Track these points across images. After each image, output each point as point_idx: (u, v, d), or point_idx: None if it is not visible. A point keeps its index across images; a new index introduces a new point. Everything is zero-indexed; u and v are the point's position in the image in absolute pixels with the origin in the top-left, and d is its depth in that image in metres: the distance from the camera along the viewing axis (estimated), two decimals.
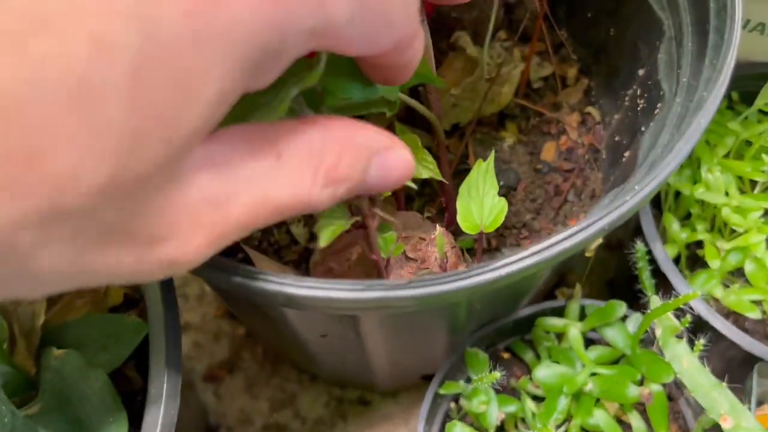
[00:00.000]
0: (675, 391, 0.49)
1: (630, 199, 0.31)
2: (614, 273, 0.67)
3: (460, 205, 0.39)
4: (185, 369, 0.64)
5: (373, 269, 0.41)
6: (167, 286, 0.38)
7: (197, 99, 0.19)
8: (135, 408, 0.45)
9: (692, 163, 0.52)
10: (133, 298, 0.50)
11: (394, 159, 0.26)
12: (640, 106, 0.45)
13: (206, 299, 0.68)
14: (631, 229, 0.57)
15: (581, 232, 0.31)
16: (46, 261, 0.20)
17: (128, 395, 0.46)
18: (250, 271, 0.30)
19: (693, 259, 0.52)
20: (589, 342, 0.48)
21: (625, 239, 0.68)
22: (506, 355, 0.50)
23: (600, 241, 0.45)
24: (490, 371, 0.44)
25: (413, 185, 0.36)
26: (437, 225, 0.40)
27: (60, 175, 0.18)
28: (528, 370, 0.49)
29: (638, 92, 0.46)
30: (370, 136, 0.26)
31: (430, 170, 0.38)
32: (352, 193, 0.25)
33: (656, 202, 0.54)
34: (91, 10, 0.17)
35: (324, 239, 0.31)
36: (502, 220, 0.38)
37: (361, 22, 0.22)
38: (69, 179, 0.18)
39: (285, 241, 0.49)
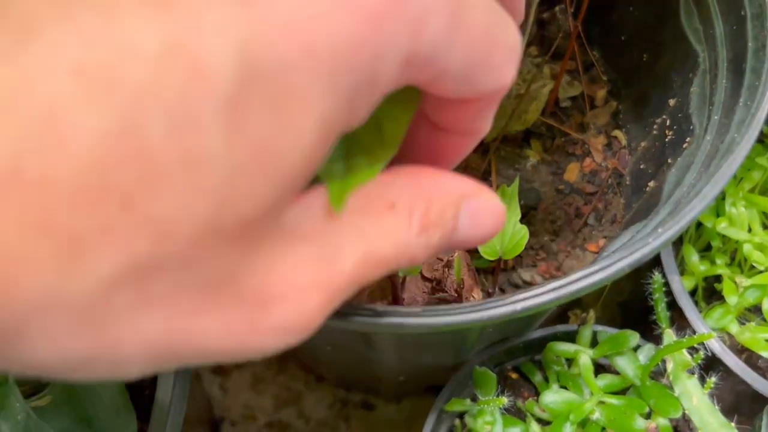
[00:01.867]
0: (682, 424, 0.48)
1: (652, 241, 0.31)
2: (628, 296, 0.67)
3: None
4: None
5: (388, 286, 0.41)
6: None
7: (299, 132, 0.17)
8: (143, 401, 0.45)
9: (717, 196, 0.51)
10: None
11: (484, 204, 0.23)
12: (669, 137, 0.44)
13: None
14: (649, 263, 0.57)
15: (601, 271, 0.31)
16: (143, 327, 0.17)
17: (136, 387, 0.46)
18: None
19: (710, 292, 0.52)
20: (599, 367, 0.48)
21: (641, 265, 0.67)
22: (514, 375, 0.49)
23: None
24: (498, 393, 0.44)
25: None
26: (455, 253, 0.39)
27: (160, 217, 0.16)
28: (536, 392, 0.49)
29: (667, 123, 0.45)
30: (457, 181, 0.23)
31: None
32: (445, 243, 0.23)
33: None
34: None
35: None
36: (522, 248, 0.38)
37: (463, 50, 0.19)
38: (170, 222, 0.16)
39: None
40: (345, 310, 0.30)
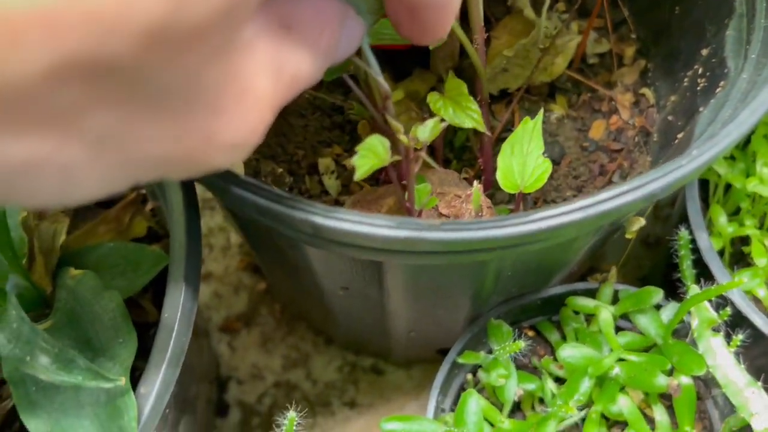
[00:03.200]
0: (703, 390, 0.46)
1: (686, 164, 0.30)
2: (648, 271, 0.65)
3: (501, 162, 0.37)
4: (203, 317, 0.63)
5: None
6: (191, 212, 0.37)
7: None
8: (147, 339, 0.44)
9: (747, 157, 0.50)
10: (156, 233, 0.49)
11: (355, 22, 0.27)
12: (701, 85, 0.43)
13: (231, 251, 0.67)
14: (672, 222, 0.55)
15: (632, 191, 0.29)
16: (93, 128, 0.17)
17: (142, 326, 0.45)
18: (281, 196, 0.29)
19: (737, 257, 0.50)
20: (618, 330, 0.46)
21: (663, 235, 0.66)
22: (531, 333, 0.48)
23: (643, 222, 0.43)
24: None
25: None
26: (475, 182, 0.38)
27: (106, 13, 0.15)
28: (552, 351, 0.47)
29: (699, 72, 0.43)
30: (336, 4, 0.25)
31: (474, 120, 0.37)
32: (333, 59, 0.26)
33: (704, 196, 0.52)
34: None
35: (360, 173, 0.30)
36: (544, 181, 0.36)
37: None
38: (116, 17, 0.15)
39: (316, 190, 0.47)
40: (363, 219, 0.29)
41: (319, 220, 0.29)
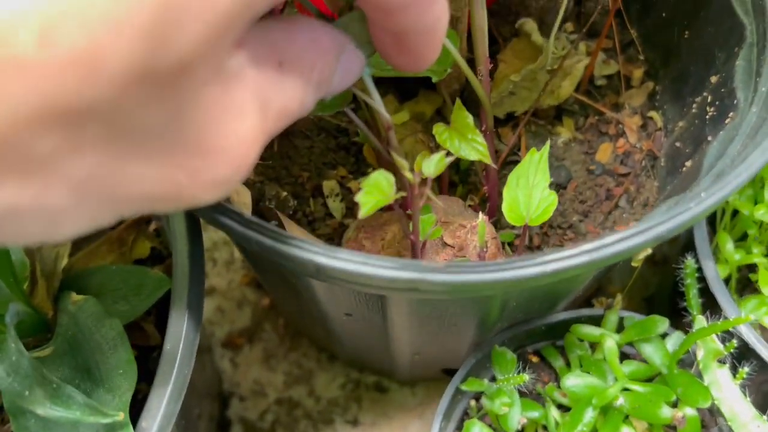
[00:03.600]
0: (708, 419, 0.46)
1: (694, 206, 0.29)
2: (654, 290, 0.64)
3: (507, 194, 0.37)
4: (205, 333, 0.63)
5: (406, 251, 0.39)
6: (195, 239, 0.37)
7: None
8: (150, 362, 0.44)
9: (755, 184, 0.49)
10: (159, 254, 0.49)
11: (353, 55, 0.26)
12: (710, 114, 0.42)
13: (234, 266, 0.67)
14: (679, 245, 0.55)
15: (638, 235, 0.29)
16: (75, 172, 0.17)
17: (144, 350, 0.45)
18: (284, 236, 0.29)
19: (743, 283, 0.50)
20: (623, 357, 0.46)
21: (671, 255, 0.65)
22: (535, 359, 0.48)
23: (649, 251, 0.43)
24: (518, 373, 0.43)
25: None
26: (480, 213, 0.38)
27: (81, 55, 0.15)
28: (556, 377, 0.47)
29: (708, 99, 0.43)
30: (329, 34, 0.25)
31: (479, 152, 0.36)
32: (326, 92, 0.25)
33: (710, 221, 0.51)
34: None
35: (365, 210, 0.29)
36: (550, 214, 0.36)
37: None
38: (96, 60, 0.15)
39: (320, 213, 0.47)
40: (366, 261, 0.28)
41: (322, 260, 0.28)
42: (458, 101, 0.38)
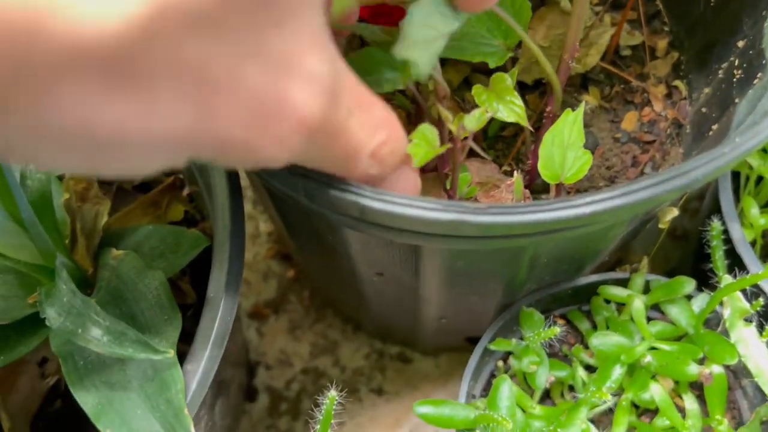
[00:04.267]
0: (732, 380, 0.47)
1: (729, 151, 0.30)
2: (676, 264, 0.65)
3: (542, 152, 0.38)
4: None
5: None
6: (235, 194, 0.38)
7: None
8: (185, 321, 0.45)
9: None
10: (192, 217, 0.50)
11: (413, 173, 0.30)
12: (737, 77, 0.43)
13: (260, 239, 0.68)
14: (703, 213, 0.55)
15: (676, 178, 0.29)
16: (177, 87, 0.18)
17: (180, 308, 0.46)
18: (330, 179, 0.30)
19: (767, 250, 0.50)
20: (648, 320, 0.47)
21: (691, 230, 0.66)
22: (561, 322, 0.48)
23: (676, 213, 0.43)
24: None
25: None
26: (515, 172, 0.38)
27: None
28: (582, 340, 0.48)
29: (736, 63, 0.44)
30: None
31: (517, 114, 0.37)
32: (377, 176, 0.29)
33: (734, 188, 0.52)
34: None
35: (417, 161, 0.30)
36: (585, 172, 0.37)
37: None
38: None
39: None
40: (411, 202, 0.29)
41: (368, 202, 0.29)
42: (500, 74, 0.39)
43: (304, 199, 0.31)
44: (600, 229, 0.36)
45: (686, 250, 0.64)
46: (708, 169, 0.30)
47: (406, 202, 0.29)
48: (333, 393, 0.35)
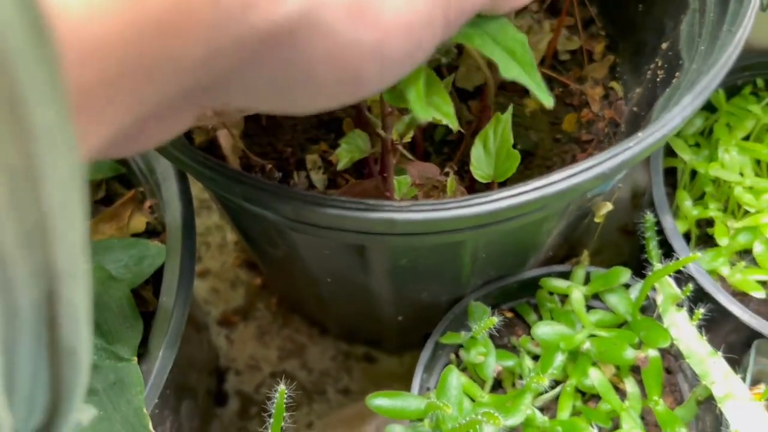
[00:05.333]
0: (673, 364, 0.49)
1: (633, 145, 0.32)
2: (627, 257, 0.68)
3: (473, 153, 0.40)
4: (202, 312, 0.66)
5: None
6: (186, 204, 0.40)
7: None
8: (148, 329, 0.47)
9: (711, 145, 0.53)
10: (154, 229, 0.52)
11: None
12: (659, 77, 0.46)
13: (227, 248, 0.70)
14: (643, 208, 0.58)
15: (583, 172, 0.32)
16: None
17: (144, 315, 0.48)
18: (263, 183, 0.32)
19: (704, 239, 0.53)
20: (591, 309, 0.49)
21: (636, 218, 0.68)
22: (509, 315, 0.51)
23: (610, 206, 0.46)
24: (493, 329, 0.46)
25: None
26: (451, 172, 0.41)
27: None
28: (530, 331, 0.50)
29: (659, 63, 0.46)
30: None
31: (448, 117, 0.40)
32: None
33: (672, 182, 0.54)
34: None
35: (343, 163, 0.33)
36: (514, 170, 0.39)
37: None
38: None
39: (304, 185, 0.50)
40: (341, 203, 0.32)
41: (299, 204, 0.32)
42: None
43: (243, 202, 0.33)
44: (531, 222, 0.39)
45: (634, 244, 0.67)
46: (612, 163, 0.32)
47: (335, 203, 0.32)
48: (282, 387, 0.37)
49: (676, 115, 0.33)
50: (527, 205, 0.32)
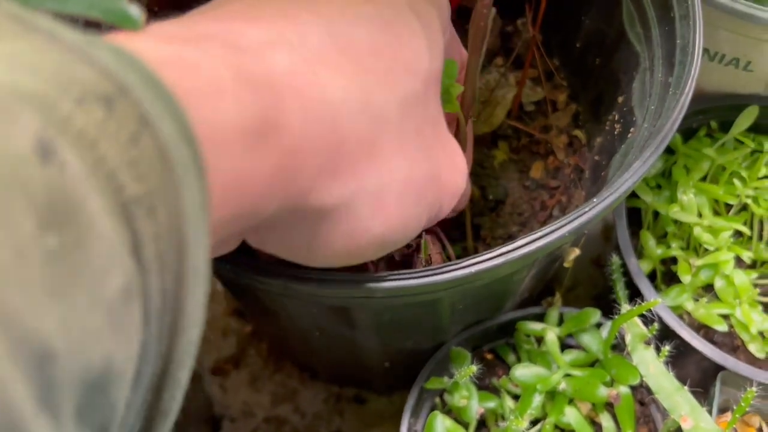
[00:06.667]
0: (646, 396, 0.52)
1: (589, 210, 0.35)
2: (601, 290, 0.71)
3: None
4: (195, 362, 0.68)
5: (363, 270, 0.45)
6: None
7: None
8: None
9: (671, 186, 0.56)
10: None
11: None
12: (617, 130, 0.49)
13: (217, 298, 0.72)
14: (613, 246, 0.61)
15: (544, 237, 0.35)
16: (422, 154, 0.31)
17: None
18: (249, 265, 0.35)
19: (669, 276, 0.56)
20: (567, 348, 0.52)
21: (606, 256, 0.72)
22: (490, 356, 0.53)
23: (578, 252, 0.49)
24: (474, 372, 0.48)
25: None
26: (423, 232, 0.44)
27: (410, 66, 0.30)
28: (509, 372, 0.53)
29: (616, 117, 0.50)
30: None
31: None
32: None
33: (637, 221, 0.58)
34: None
35: None
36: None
37: None
38: (415, 68, 0.30)
39: None
40: (325, 277, 0.34)
41: (289, 281, 0.34)
42: None
43: (233, 276, 0.36)
44: (501, 277, 0.41)
45: (607, 277, 0.70)
46: (570, 228, 0.35)
47: (320, 277, 0.34)
48: None
49: (627, 179, 0.36)
50: (496, 270, 0.35)
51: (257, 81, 0.23)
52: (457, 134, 0.42)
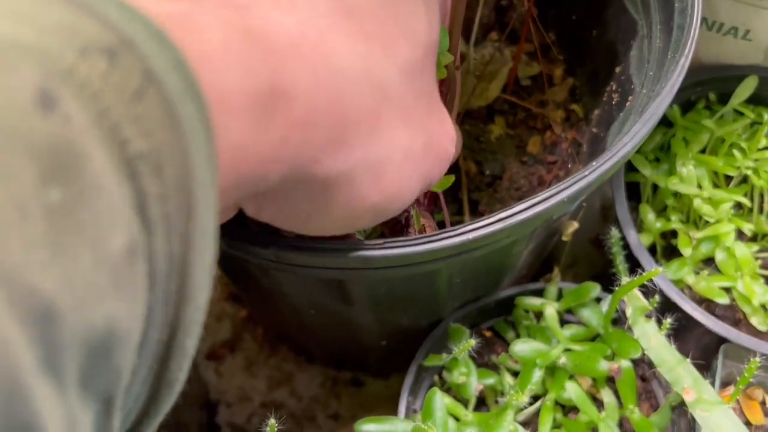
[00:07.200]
0: (648, 371, 0.51)
1: (588, 174, 0.35)
2: (600, 269, 0.70)
3: None
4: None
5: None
6: None
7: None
8: None
9: (670, 159, 0.55)
10: None
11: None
12: (615, 100, 0.48)
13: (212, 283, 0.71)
14: (612, 221, 0.60)
15: (543, 202, 0.34)
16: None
17: None
18: (243, 233, 0.34)
19: (669, 250, 0.55)
20: (566, 324, 0.51)
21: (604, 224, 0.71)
22: (488, 334, 0.53)
23: (576, 225, 0.48)
24: (473, 349, 0.47)
25: None
26: (415, 204, 0.43)
27: (412, 33, 0.29)
28: (508, 348, 0.52)
29: (614, 87, 0.49)
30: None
31: None
32: None
33: (636, 196, 0.57)
34: None
35: None
36: (451, 181, 0.41)
37: None
38: (416, 36, 0.29)
39: None
40: (317, 245, 0.33)
41: (280, 250, 0.34)
42: None
43: (226, 248, 0.35)
44: (499, 248, 0.41)
45: (606, 255, 0.69)
46: (570, 192, 0.34)
47: (314, 246, 0.34)
48: (273, 421, 0.39)
49: (627, 142, 0.35)
50: (493, 236, 0.34)
51: (266, 45, 0.22)
52: (445, 87, 0.42)
